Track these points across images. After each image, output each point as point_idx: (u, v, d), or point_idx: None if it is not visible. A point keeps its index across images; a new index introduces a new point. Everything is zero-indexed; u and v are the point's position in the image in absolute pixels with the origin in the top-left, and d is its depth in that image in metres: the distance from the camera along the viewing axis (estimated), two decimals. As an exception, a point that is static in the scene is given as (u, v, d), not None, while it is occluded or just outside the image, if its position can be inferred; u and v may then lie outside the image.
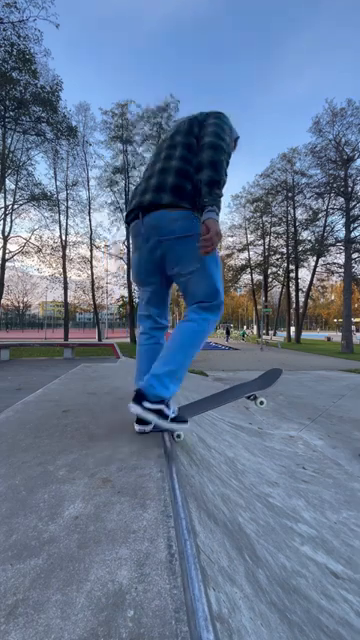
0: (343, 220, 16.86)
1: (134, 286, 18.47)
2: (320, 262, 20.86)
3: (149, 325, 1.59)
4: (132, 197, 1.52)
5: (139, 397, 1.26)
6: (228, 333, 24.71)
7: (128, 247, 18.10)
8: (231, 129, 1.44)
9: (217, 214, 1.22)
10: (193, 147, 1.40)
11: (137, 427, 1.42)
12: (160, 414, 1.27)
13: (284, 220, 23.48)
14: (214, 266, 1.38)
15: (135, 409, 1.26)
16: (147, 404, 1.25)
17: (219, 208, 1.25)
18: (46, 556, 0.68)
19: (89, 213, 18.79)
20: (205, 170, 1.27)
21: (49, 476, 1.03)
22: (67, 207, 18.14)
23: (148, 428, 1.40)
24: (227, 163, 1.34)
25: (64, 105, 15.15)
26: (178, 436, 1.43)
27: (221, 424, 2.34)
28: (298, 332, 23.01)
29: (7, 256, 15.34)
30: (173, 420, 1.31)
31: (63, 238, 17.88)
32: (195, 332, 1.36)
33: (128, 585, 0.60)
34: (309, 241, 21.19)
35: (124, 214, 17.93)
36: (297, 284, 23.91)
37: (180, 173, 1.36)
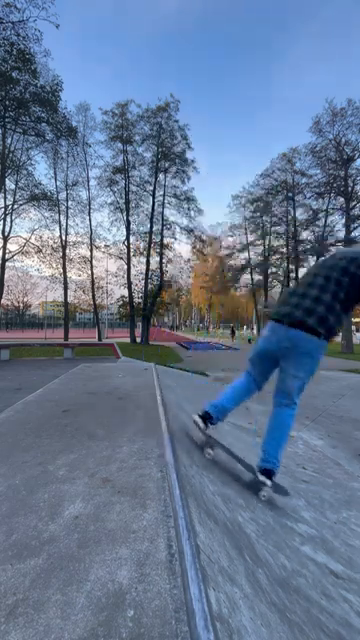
0: (343, 220, 16.84)
1: (134, 286, 18.49)
2: (320, 262, 20.84)
3: (250, 378, 1.82)
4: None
5: (267, 473, 1.42)
6: (233, 333, 24.77)
7: (128, 247, 18.04)
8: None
9: None
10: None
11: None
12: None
13: (284, 220, 23.42)
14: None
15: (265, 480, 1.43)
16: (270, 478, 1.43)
17: None
18: (46, 556, 0.68)
19: (89, 213, 18.75)
20: None
21: (49, 476, 1.03)
22: (67, 207, 18.09)
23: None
24: None
25: (64, 105, 15.10)
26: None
27: (221, 424, 2.33)
28: (298, 332, 22.96)
29: (7, 256, 15.30)
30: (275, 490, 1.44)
31: (63, 238, 17.84)
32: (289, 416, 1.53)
33: (128, 585, 0.60)
34: (309, 241, 21.16)
35: (124, 214, 17.99)
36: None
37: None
